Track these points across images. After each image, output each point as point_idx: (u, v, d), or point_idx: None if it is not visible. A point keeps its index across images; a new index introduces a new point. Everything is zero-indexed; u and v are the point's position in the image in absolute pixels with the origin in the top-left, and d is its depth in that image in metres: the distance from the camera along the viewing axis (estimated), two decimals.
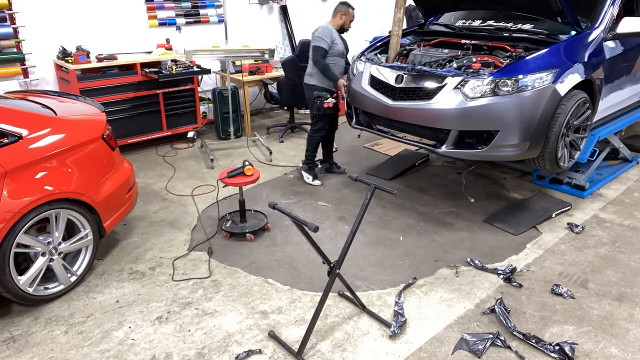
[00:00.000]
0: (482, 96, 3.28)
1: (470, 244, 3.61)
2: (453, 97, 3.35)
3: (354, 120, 4.19)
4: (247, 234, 3.64)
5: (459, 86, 3.35)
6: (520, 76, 3.25)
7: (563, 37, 3.69)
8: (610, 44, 3.82)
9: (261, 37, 6.62)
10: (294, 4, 6.89)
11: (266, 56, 5.21)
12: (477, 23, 4.33)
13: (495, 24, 4.19)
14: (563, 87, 3.35)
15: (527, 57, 3.37)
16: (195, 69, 5.41)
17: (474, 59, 3.67)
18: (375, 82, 3.86)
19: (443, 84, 3.42)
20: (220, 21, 6.19)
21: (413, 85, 3.58)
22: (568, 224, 3.85)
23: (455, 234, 3.77)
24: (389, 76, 3.76)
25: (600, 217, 3.98)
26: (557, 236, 3.71)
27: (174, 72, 5.22)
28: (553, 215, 3.96)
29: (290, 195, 4.45)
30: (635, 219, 3.94)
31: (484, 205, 4.20)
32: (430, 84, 3.51)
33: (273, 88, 5.92)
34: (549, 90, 3.28)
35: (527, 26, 3.98)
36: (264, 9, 6.69)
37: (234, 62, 5.98)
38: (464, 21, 4.46)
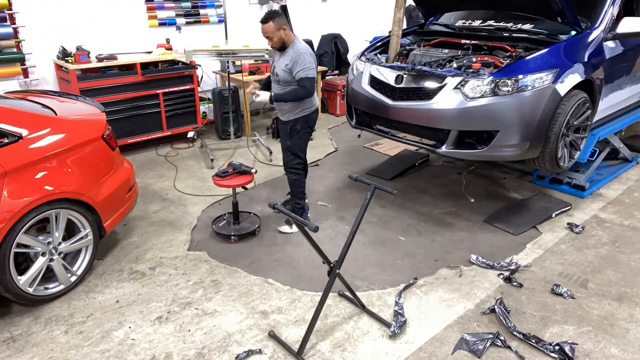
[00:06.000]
0: (482, 96, 3.28)
1: (471, 244, 3.61)
2: (453, 97, 3.35)
3: (354, 120, 4.19)
4: (232, 237, 3.62)
5: (459, 86, 3.35)
6: (520, 76, 3.25)
7: (563, 37, 3.69)
8: (610, 44, 3.82)
9: (261, 37, 6.61)
10: (295, 4, 6.89)
11: (266, 56, 5.20)
12: (477, 23, 4.33)
13: (495, 24, 4.19)
14: (563, 87, 3.35)
15: (527, 57, 3.37)
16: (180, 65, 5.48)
17: (474, 59, 3.67)
18: (376, 82, 3.86)
19: (443, 84, 3.42)
20: (221, 21, 6.18)
21: (413, 85, 3.58)
22: (568, 224, 3.85)
23: (455, 233, 3.77)
24: (389, 76, 3.76)
25: (600, 217, 3.98)
26: (557, 236, 3.71)
27: (159, 67, 5.30)
28: (553, 215, 3.96)
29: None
30: (635, 219, 3.94)
31: (484, 205, 4.20)
32: (430, 84, 3.51)
33: None
34: (548, 90, 3.28)
35: (527, 26, 3.98)
36: (264, 9, 6.69)
37: (234, 62, 5.98)
38: (463, 21, 4.46)
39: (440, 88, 3.42)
